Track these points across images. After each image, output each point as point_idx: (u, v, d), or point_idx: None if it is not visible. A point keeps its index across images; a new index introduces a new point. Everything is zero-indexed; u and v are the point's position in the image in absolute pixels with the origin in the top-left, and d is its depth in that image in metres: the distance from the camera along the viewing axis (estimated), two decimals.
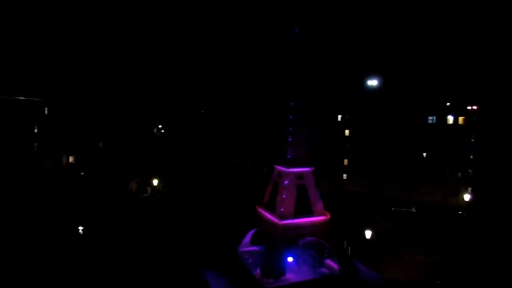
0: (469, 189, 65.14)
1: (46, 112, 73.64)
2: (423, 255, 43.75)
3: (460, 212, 60.60)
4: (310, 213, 36.78)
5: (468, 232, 51.29)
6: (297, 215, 36.10)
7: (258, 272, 35.23)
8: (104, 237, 45.62)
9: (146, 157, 77.03)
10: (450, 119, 67.79)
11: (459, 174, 67.04)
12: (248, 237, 40.43)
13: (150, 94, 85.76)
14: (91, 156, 76.44)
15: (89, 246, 42.94)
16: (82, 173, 72.72)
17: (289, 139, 36.93)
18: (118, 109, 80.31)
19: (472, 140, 65.89)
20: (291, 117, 37.07)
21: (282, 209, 35.78)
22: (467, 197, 61.41)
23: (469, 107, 67.25)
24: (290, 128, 37.05)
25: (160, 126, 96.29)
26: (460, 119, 67.12)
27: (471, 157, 66.28)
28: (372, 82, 75.01)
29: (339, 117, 77.31)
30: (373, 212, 59.75)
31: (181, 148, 79.63)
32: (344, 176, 75.56)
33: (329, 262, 37.95)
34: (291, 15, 36.29)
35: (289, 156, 36.89)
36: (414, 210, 61.92)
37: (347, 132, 76.31)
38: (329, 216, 37.69)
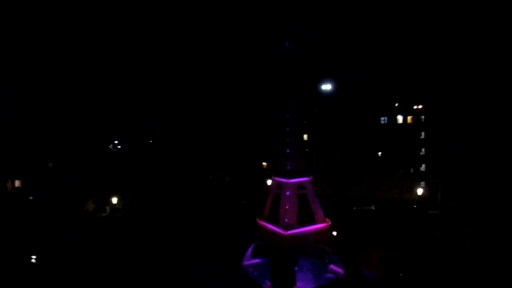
0: (422, 183, 69.35)
1: None
2: (383, 250, 45.76)
3: (414, 206, 64.29)
4: (312, 221, 37.72)
5: (436, 231, 54.30)
6: (299, 224, 36.96)
7: (268, 284, 35.78)
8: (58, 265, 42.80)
9: (103, 175, 73.25)
10: (400, 118, 71.96)
11: (412, 170, 71.16)
12: (250, 250, 40.57)
13: (104, 107, 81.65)
14: (40, 177, 71.21)
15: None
16: (31, 198, 67.43)
17: (287, 151, 37.92)
18: (69, 125, 75.67)
19: (422, 137, 70.38)
20: (287, 129, 38.32)
21: (286, 220, 36.44)
22: (420, 191, 65.45)
23: (415, 107, 71.95)
24: (288, 140, 38.15)
25: (116, 142, 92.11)
26: (409, 118, 71.48)
27: (422, 153, 70.73)
28: (326, 87, 77.54)
29: None
30: (336, 213, 61.52)
31: (140, 163, 76.84)
32: None
33: (332, 267, 39.26)
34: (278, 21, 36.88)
35: (288, 167, 37.84)
36: (374, 208, 64.82)
37: (305, 136, 77.97)
38: (330, 223, 38.82)
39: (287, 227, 36.14)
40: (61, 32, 78.43)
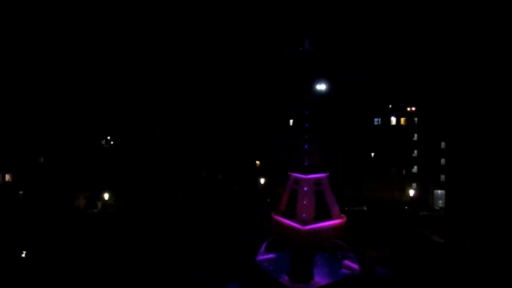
0: (413, 185, 69.80)
1: None
2: (375, 250, 46.02)
3: (406, 207, 64.71)
4: (328, 217, 38.53)
5: (417, 228, 54.79)
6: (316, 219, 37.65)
7: (285, 278, 36.25)
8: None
9: (95, 171, 72.68)
10: (393, 120, 72.34)
11: (404, 172, 71.58)
12: (264, 246, 41.12)
13: (98, 104, 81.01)
14: (31, 172, 70.45)
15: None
16: (21, 192, 66.71)
17: (305, 147, 38.55)
18: (62, 120, 74.94)
19: (414, 139, 70.80)
20: (306, 125, 38.99)
21: (304, 215, 37.15)
22: (411, 192, 65.89)
23: (408, 109, 72.37)
24: (306, 136, 38.77)
25: (109, 138, 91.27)
26: (402, 120, 71.89)
27: (414, 155, 71.17)
28: (321, 87, 77.58)
29: (291, 122, 78.89)
30: None
31: (133, 160, 76.29)
32: None
33: (347, 262, 39.90)
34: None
35: (306, 164, 38.42)
36: (366, 208, 65.13)
37: None
38: (345, 219, 39.66)
39: (304, 222, 36.75)
40: (58, 30, 77.80)
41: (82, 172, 71.27)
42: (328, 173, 39.72)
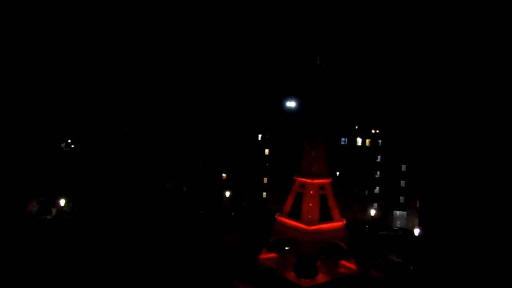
0: (375, 205, 71.75)
1: None
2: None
3: (367, 226, 66.26)
4: (329, 219, 41.91)
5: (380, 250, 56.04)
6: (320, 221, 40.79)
7: (292, 274, 38.93)
8: None
9: (52, 175, 68.91)
10: (359, 141, 74.49)
11: (366, 192, 73.49)
12: (267, 245, 43.94)
13: (59, 105, 77.32)
14: None
15: None
16: None
17: (313, 154, 42.08)
18: (17, 121, 70.81)
19: (378, 160, 73.14)
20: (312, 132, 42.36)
21: (309, 216, 40.17)
22: (372, 212, 67.67)
23: (373, 131, 74.91)
24: (313, 144, 42.30)
25: (69, 141, 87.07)
26: (367, 141, 74.18)
27: (377, 176, 73.39)
28: (291, 104, 78.89)
29: (259, 136, 79.24)
30: None
31: (95, 165, 73.16)
32: (264, 194, 77.08)
33: (344, 262, 43.08)
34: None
35: (313, 169, 41.79)
36: None
37: (266, 151, 78.41)
38: (345, 222, 43.17)
39: (310, 223, 39.64)
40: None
41: (36, 176, 67.21)
42: (331, 179, 43.31)
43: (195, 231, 56.14)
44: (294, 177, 43.75)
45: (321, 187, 42.34)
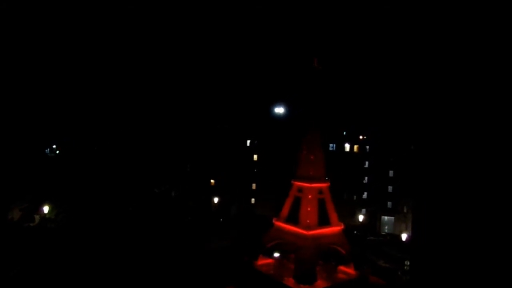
0: (363, 210, 72.10)
1: None
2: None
3: (355, 232, 66.45)
4: (328, 224, 41.47)
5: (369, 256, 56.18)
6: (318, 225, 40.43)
7: (290, 280, 38.29)
8: None
9: (36, 181, 67.26)
10: (347, 147, 74.94)
11: (355, 197, 73.82)
12: (263, 251, 43.23)
13: (44, 109, 75.59)
14: None
15: None
16: None
17: (311, 158, 41.91)
18: None
19: (366, 166, 73.66)
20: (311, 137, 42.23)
21: (308, 221, 39.70)
22: (361, 217, 68.02)
23: (361, 137, 75.53)
24: (311, 147, 42.22)
25: (54, 146, 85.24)
26: (355, 147, 74.70)
27: (365, 181, 73.85)
28: (279, 110, 79.01)
29: (248, 142, 79.07)
30: None
31: (80, 170, 71.73)
32: (253, 200, 76.78)
33: (342, 268, 42.59)
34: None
35: (311, 173, 41.61)
36: None
37: (255, 157, 78.23)
38: (343, 226, 42.91)
39: (309, 228, 39.22)
40: None
41: (19, 182, 65.54)
42: (329, 183, 43.20)
43: (183, 237, 55.36)
44: (292, 181, 43.19)
45: (320, 191, 42.06)
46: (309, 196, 40.73)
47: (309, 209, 40.27)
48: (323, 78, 43.69)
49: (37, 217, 58.36)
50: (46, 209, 56.56)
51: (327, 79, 44.32)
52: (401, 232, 63.10)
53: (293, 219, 41.37)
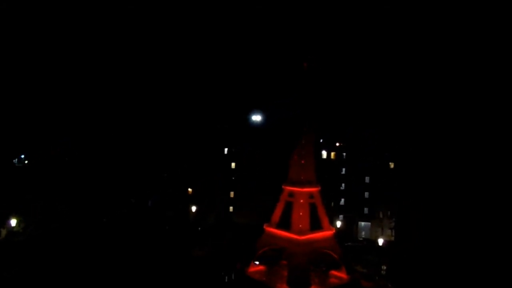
0: (340, 216, 72.74)
1: None
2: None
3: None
4: (320, 228, 41.49)
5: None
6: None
7: (284, 287, 37.99)
8: None
9: (2, 192, 63.74)
10: (324, 154, 75.65)
11: (332, 204, 74.43)
12: (255, 257, 42.60)
13: (12, 117, 71.87)
14: None
15: None
16: None
17: (302, 162, 41.35)
18: None
19: (342, 173, 74.52)
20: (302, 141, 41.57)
21: (300, 226, 39.56)
22: (338, 224, 68.51)
23: (337, 144, 76.49)
24: (303, 152, 41.63)
25: (22, 156, 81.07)
26: (332, 154, 75.53)
27: (342, 188, 74.67)
28: (256, 118, 79.05)
29: (226, 150, 78.46)
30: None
31: (51, 180, 68.61)
32: (231, 208, 75.99)
33: (334, 273, 42.56)
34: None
35: (302, 177, 41.25)
36: None
37: (233, 164, 77.67)
38: (334, 231, 43.01)
39: (301, 233, 39.13)
40: None
41: None
42: (320, 187, 42.83)
43: (161, 247, 53.94)
44: (283, 186, 42.82)
45: (311, 195, 41.95)
46: (301, 201, 40.62)
47: (301, 213, 40.09)
48: (313, 82, 43.41)
49: (3, 231, 55.27)
50: (13, 222, 53.64)
51: (315, 83, 44.34)
52: (378, 237, 64.24)
53: (284, 224, 41.19)
